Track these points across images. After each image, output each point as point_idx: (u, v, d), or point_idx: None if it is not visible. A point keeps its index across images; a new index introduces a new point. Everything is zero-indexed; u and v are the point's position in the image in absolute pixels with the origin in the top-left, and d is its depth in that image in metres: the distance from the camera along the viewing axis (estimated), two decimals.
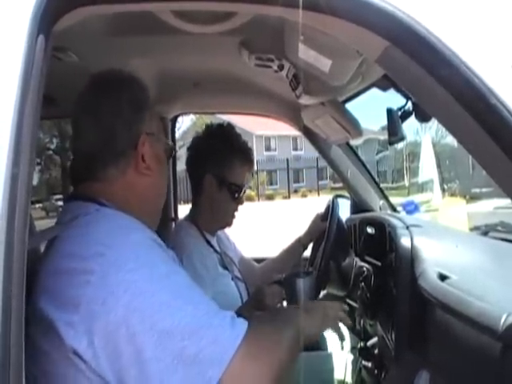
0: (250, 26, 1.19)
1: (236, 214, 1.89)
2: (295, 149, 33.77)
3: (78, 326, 0.81)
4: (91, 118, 1.05)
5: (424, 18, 0.72)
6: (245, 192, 1.87)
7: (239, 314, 1.53)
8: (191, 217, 1.88)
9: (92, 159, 1.04)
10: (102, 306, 0.81)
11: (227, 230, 2.05)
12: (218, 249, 1.89)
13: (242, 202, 1.88)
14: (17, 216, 0.65)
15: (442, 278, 1.15)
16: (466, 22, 0.74)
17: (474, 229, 2.04)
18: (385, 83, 1.49)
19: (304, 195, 28.97)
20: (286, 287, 1.56)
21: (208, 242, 1.84)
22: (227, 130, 1.89)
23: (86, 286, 0.83)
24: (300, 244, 2.14)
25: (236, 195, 1.83)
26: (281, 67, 1.48)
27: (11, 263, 0.63)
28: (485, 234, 1.82)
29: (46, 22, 0.71)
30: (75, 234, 0.92)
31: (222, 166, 1.80)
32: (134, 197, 1.07)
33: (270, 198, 28.84)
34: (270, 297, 1.59)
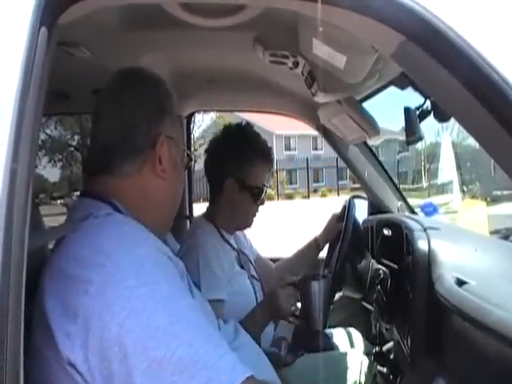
0: (263, 22, 1.17)
1: (256, 214, 1.84)
2: (315, 148, 33.65)
3: (74, 339, 0.78)
4: (115, 107, 1.04)
5: (441, 11, 0.69)
6: (266, 193, 1.81)
7: (252, 316, 1.53)
8: (208, 214, 1.84)
9: (110, 151, 1.02)
10: (97, 320, 0.78)
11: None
12: (235, 246, 1.86)
13: (263, 203, 1.83)
14: (15, 212, 0.63)
15: (460, 283, 1.12)
16: (485, 15, 0.70)
17: (495, 232, 1.99)
18: (403, 81, 1.45)
19: (323, 195, 28.87)
20: (301, 290, 1.53)
21: (225, 240, 1.80)
22: (246, 131, 1.83)
23: (85, 295, 0.80)
24: (316, 244, 2.10)
25: (257, 197, 1.78)
26: (296, 64, 1.46)
27: (9, 261, 0.62)
28: (505, 237, 1.78)
29: (49, 15, 0.69)
30: (81, 238, 0.90)
31: (242, 169, 1.74)
32: (147, 198, 1.05)
33: (290, 197, 28.81)
34: (283, 299, 1.55)
